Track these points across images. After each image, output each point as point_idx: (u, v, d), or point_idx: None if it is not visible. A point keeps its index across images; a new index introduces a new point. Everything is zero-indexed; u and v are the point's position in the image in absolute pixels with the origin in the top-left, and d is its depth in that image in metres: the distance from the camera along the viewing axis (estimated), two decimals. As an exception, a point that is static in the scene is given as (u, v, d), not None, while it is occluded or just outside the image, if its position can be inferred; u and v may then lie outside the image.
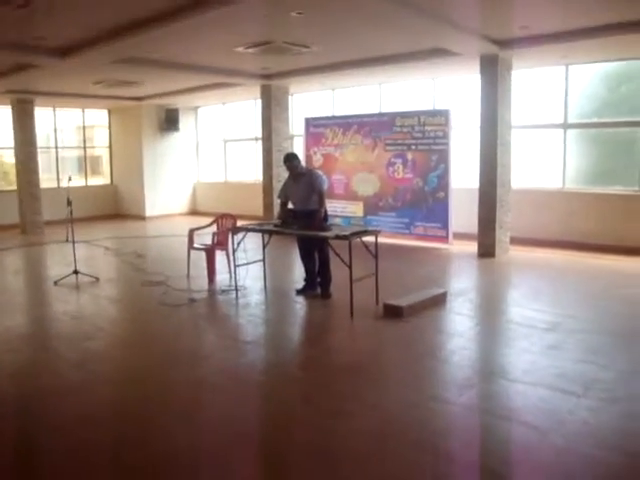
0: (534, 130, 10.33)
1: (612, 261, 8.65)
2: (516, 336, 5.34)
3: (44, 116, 14.71)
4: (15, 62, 9.23)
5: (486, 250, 9.18)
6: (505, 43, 8.24)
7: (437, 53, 8.70)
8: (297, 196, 6.87)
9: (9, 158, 14.45)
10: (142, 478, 3.17)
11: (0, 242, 11.68)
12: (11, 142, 13.45)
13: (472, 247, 9.50)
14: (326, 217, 6.91)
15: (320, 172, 7.08)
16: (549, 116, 10.09)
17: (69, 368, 4.84)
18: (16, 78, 10.35)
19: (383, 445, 3.43)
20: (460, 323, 5.93)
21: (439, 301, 6.46)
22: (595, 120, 9.69)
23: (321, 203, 6.71)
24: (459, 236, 10.21)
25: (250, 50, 8.57)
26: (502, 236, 9.27)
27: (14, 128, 13.22)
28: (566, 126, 9.85)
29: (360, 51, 9.11)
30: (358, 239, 6.18)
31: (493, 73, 8.82)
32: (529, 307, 6.27)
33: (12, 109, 13.12)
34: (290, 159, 6.89)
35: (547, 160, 10.29)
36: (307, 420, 3.81)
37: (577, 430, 3.52)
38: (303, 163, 8.03)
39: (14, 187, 13.68)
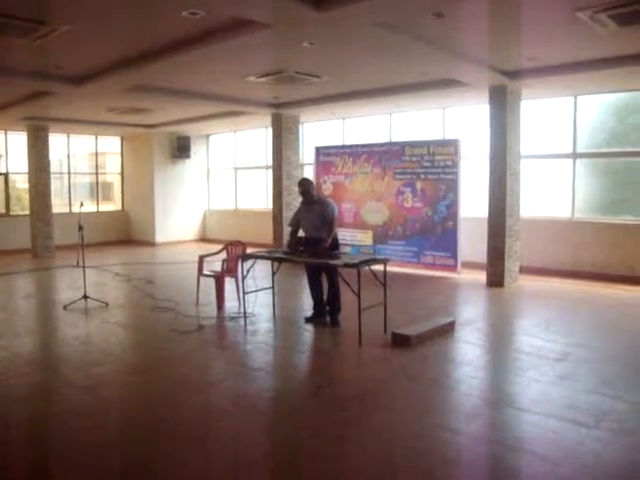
0: (543, 160, 10.38)
1: (622, 291, 8.61)
2: (525, 366, 5.31)
3: (58, 142, 14.95)
4: (32, 90, 9.43)
5: (495, 279, 9.15)
6: (513, 74, 8.35)
7: (446, 84, 8.82)
8: (309, 224, 6.90)
9: (22, 183, 14.66)
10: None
11: (12, 266, 11.78)
12: (24, 167, 13.67)
13: (481, 276, 9.49)
14: (337, 245, 6.94)
15: (331, 200, 7.13)
16: (558, 146, 10.14)
17: (78, 393, 4.84)
18: (32, 105, 10.57)
19: (390, 474, 3.40)
20: (468, 352, 5.90)
21: (447, 330, 6.45)
22: (604, 150, 9.74)
23: (328, 232, 6.72)
24: (468, 265, 10.21)
25: (261, 79, 8.71)
26: (511, 265, 9.25)
27: (28, 154, 13.45)
28: (575, 156, 9.90)
29: (370, 81, 9.24)
30: (367, 267, 6.19)
31: (502, 103, 8.91)
32: (539, 336, 6.24)
33: (27, 135, 13.37)
34: (304, 184, 6.95)
35: (556, 190, 10.31)
36: (314, 448, 3.78)
37: (587, 462, 3.48)
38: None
39: (27, 212, 13.87)
